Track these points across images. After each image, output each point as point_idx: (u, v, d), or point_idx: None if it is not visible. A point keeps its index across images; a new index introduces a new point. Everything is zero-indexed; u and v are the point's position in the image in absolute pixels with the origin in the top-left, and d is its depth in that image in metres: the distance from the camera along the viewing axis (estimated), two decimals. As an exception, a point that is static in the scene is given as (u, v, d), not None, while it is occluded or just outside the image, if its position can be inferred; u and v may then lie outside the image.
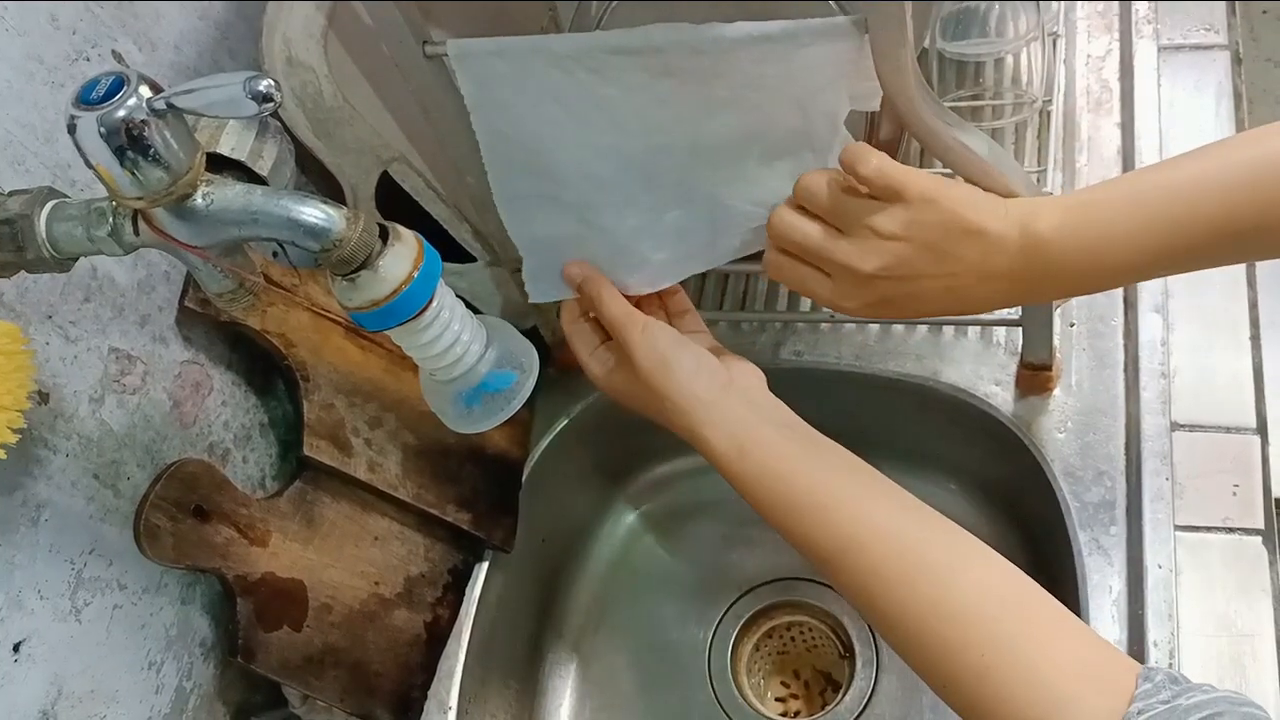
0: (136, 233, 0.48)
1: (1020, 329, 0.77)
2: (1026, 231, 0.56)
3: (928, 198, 0.56)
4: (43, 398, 0.58)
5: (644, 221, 0.68)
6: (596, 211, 0.68)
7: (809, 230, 0.60)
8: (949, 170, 0.86)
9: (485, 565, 0.82)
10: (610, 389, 0.68)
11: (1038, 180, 0.79)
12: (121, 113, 0.43)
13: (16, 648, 0.56)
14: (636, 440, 0.93)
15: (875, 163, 0.57)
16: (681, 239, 0.69)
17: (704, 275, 0.90)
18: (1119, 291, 0.80)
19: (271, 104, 0.43)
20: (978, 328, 0.82)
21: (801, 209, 0.61)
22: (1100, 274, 0.56)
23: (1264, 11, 1.46)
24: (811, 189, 0.60)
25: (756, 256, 0.80)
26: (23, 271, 0.51)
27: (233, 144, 0.65)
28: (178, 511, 0.64)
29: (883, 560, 0.55)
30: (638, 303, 0.69)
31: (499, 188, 0.68)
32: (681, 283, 0.90)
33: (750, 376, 0.66)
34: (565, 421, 0.87)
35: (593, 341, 0.69)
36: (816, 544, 0.58)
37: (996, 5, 0.87)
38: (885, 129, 0.80)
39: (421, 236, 0.51)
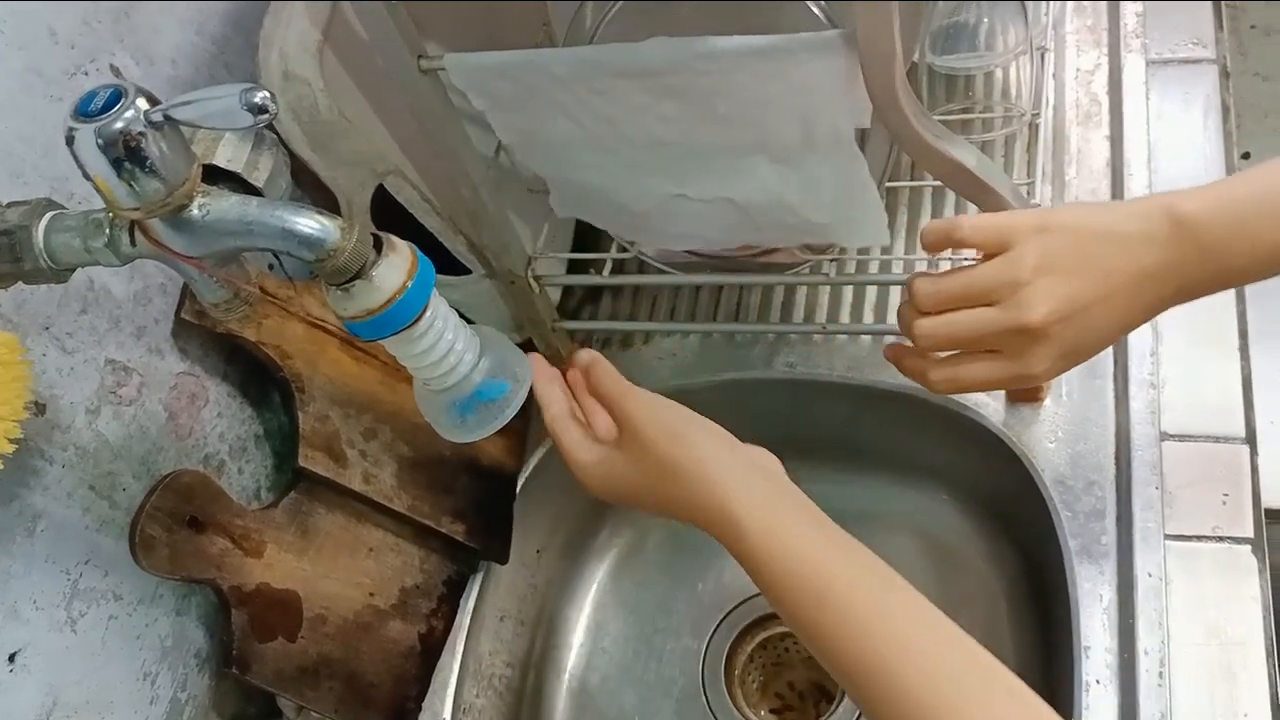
0: (133, 243, 0.49)
1: (1011, 340, 0.77)
2: (1173, 217, 0.54)
3: (1041, 226, 0.55)
4: (39, 408, 0.58)
5: (658, 204, 0.70)
6: (614, 192, 0.70)
7: (960, 319, 0.57)
8: (939, 184, 0.87)
9: (480, 577, 0.82)
10: (605, 476, 0.62)
11: (1027, 193, 0.80)
12: (119, 125, 0.44)
13: (12, 658, 0.56)
14: (630, 451, 0.93)
15: (968, 221, 0.57)
16: (696, 219, 0.71)
17: (697, 287, 0.91)
18: (1108, 302, 0.81)
19: (267, 115, 0.43)
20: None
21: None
22: (1258, 255, 0.54)
23: (1252, 26, 1.48)
24: (929, 287, 0.57)
25: (750, 269, 0.82)
26: (20, 283, 0.51)
27: (229, 156, 0.65)
28: (173, 522, 0.64)
29: (912, 688, 0.50)
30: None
31: (522, 157, 0.71)
32: (676, 293, 0.91)
33: (770, 457, 0.61)
34: (559, 433, 0.88)
35: (579, 432, 0.63)
36: (845, 657, 0.52)
37: (986, 20, 0.88)
38: (876, 143, 0.81)
39: (415, 247, 0.52)
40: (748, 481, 0.57)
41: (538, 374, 0.65)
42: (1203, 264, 0.55)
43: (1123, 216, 0.56)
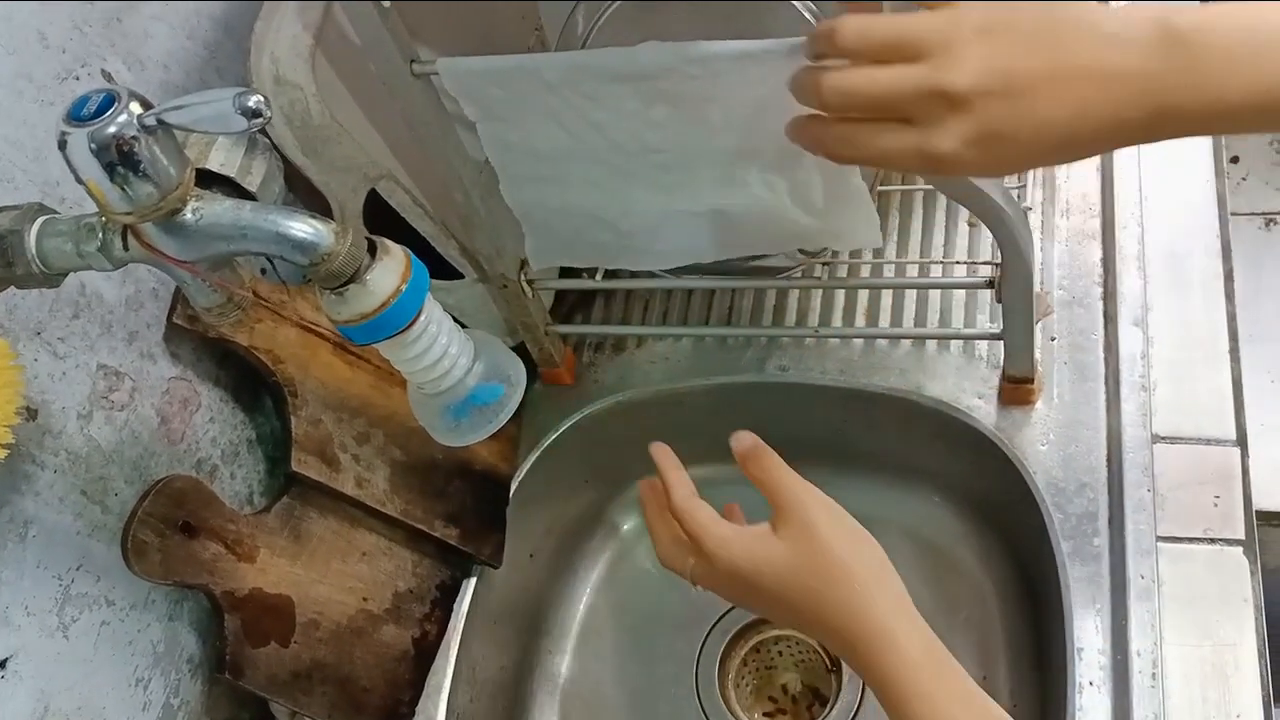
0: (126, 248, 0.49)
1: (1002, 343, 0.77)
2: (1162, 24, 0.45)
3: None
4: (31, 414, 0.58)
5: (646, 220, 0.70)
6: (600, 208, 0.69)
7: (876, 71, 0.47)
8: (930, 187, 0.87)
9: (473, 581, 0.82)
10: (750, 555, 0.57)
11: (1018, 196, 0.80)
12: (112, 129, 0.44)
13: (3, 664, 0.56)
14: (624, 454, 0.93)
15: None
16: (684, 235, 0.70)
17: (689, 291, 0.91)
18: (1099, 305, 0.81)
19: (261, 119, 0.43)
20: (960, 342, 0.83)
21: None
22: (1258, 86, 0.45)
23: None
24: (856, 26, 0.47)
25: (742, 273, 0.82)
26: (12, 287, 0.51)
27: (222, 160, 0.65)
28: (165, 528, 0.64)
29: None
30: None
31: (506, 181, 0.70)
32: (668, 297, 0.91)
33: None
34: (552, 436, 0.88)
35: (712, 508, 0.61)
36: None
37: (976, 24, 0.88)
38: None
39: (409, 250, 0.52)
40: (913, 615, 0.54)
41: (663, 460, 0.64)
42: (1190, 83, 0.45)
43: (1103, 11, 0.47)
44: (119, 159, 0.44)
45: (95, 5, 0.64)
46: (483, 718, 0.83)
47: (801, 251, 0.80)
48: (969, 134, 0.46)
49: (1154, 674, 0.66)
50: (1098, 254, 0.83)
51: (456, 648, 0.80)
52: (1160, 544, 0.71)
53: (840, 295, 0.87)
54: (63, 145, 0.44)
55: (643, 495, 0.66)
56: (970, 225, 0.87)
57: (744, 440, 0.62)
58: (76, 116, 0.44)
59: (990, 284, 0.71)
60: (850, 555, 0.55)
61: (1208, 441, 0.74)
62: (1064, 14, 0.46)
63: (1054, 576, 0.73)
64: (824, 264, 0.81)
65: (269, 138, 0.70)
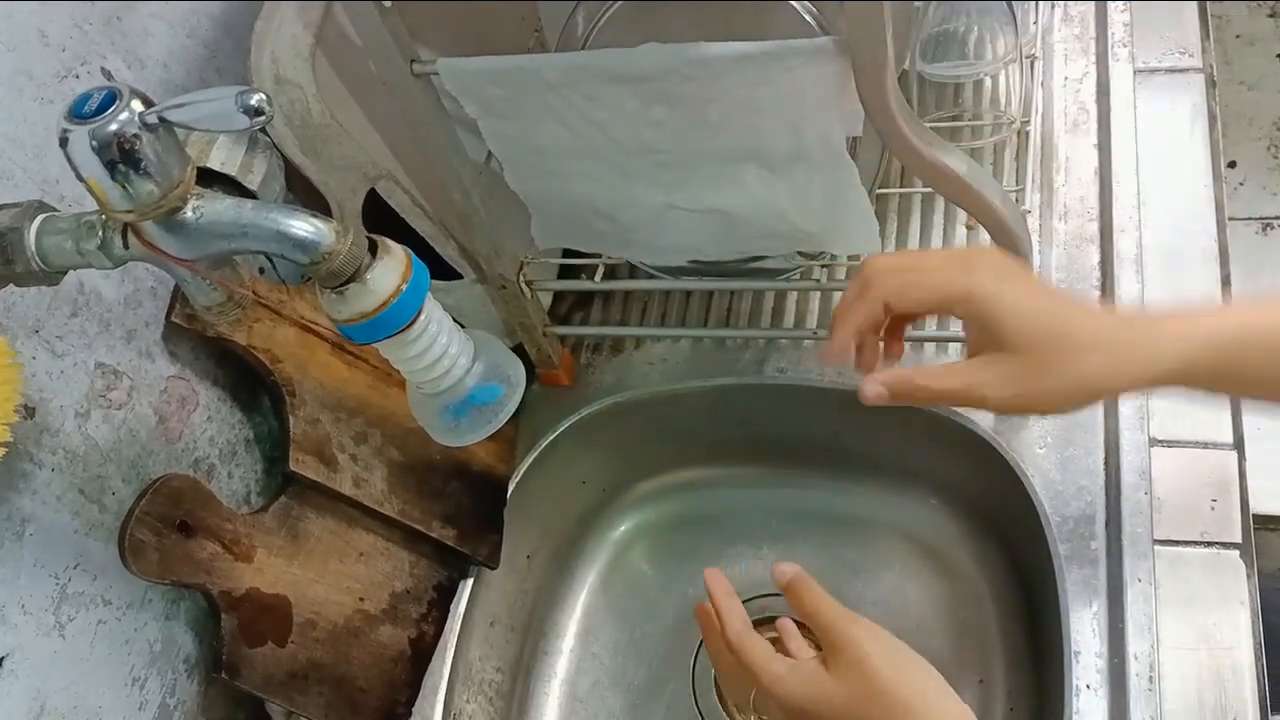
0: (126, 246, 0.49)
1: (1000, 346, 0.77)
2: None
3: None
4: (29, 412, 0.58)
5: (647, 215, 0.70)
6: (602, 202, 0.70)
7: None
8: (929, 190, 0.88)
9: (470, 581, 0.82)
10: (805, 692, 0.57)
11: (1016, 200, 0.80)
12: (114, 127, 0.43)
13: (0, 663, 0.56)
14: (621, 456, 0.93)
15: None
16: (685, 231, 0.71)
17: (688, 292, 0.91)
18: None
19: (263, 118, 0.43)
20: (958, 344, 0.83)
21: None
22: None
23: (1237, 36, 1.49)
24: (892, 279, 0.57)
25: (740, 275, 0.82)
26: (11, 285, 0.51)
27: (223, 158, 0.65)
28: (163, 527, 0.64)
29: None
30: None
31: (510, 171, 0.70)
32: (667, 298, 0.91)
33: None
34: (550, 437, 0.88)
35: (766, 643, 0.61)
36: None
37: (975, 28, 0.88)
38: (866, 150, 0.81)
39: (410, 250, 0.51)
40: None
41: (716, 587, 0.64)
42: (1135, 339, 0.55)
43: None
44: (120, 157, 0.44)
45: (95, 4, 0.64)
46: (479, 719, 0.83)
47: (800, 254, 0.81)
48: (985, 269, 0.54)
49: (1151, 677, 0.66)
50: (1096, 257, 0.84)
51: (453, 649, 0.80)
52: (1157, 547, 0.71)
53: (839, 297, 0.87)
54: (64, 142, 0.44)
55: (700, 622, 0.67)
56: (968, 228, 0.87)
57: (785, 573, 0.62)
58: (78, 114, 0.44)
59: (989, 287, 0.71)
60: (905, 687, 0.55)
61: (1205, 445, 0.74)
62: None
63: (1051, 579, 0.73)
64: (822, 266, 0.81)
65: (269, 136, 0.70)
